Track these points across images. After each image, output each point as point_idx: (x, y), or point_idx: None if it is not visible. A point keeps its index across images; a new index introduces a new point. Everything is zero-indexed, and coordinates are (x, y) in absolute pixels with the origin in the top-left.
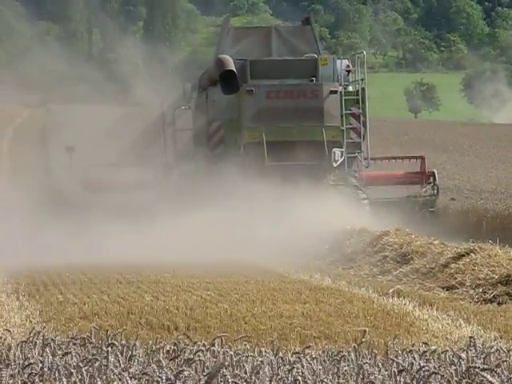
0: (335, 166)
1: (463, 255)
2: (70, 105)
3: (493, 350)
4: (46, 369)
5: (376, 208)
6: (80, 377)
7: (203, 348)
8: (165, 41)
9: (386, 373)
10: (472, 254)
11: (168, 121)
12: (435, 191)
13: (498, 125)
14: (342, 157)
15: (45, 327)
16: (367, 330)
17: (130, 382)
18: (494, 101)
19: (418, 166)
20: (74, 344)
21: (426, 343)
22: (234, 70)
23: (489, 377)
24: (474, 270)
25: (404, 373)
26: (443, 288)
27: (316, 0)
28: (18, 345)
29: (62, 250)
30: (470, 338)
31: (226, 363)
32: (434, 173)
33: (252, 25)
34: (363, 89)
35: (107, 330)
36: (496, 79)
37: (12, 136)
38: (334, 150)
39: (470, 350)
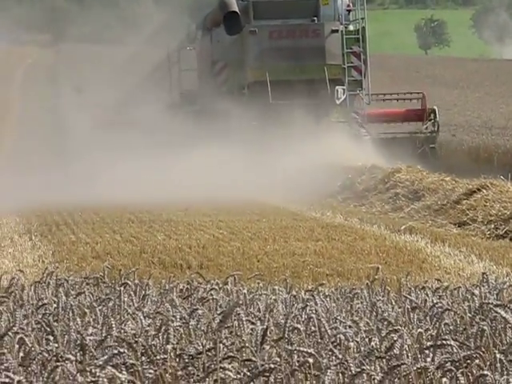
0: (338, 103)
1: (475, 191)
2: (81, 44)
3: (505, 285)
4: (60, 309)
5: (378, 145)
6: (94, 316)
7: (216, 287)
8: None
9: (400, 310)
10: (483, 190)
11: (173, 61)
12: (436, 128)
13: (508, 60)
14: (344, 94)
15: (58, 267)
16: (380, 267)
17: (143, 321)
18: (504, 36)
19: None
20: (88, 284)
21: (438, 280)
22: (237, 11)
23: (503, 312)
24: (485, 205)
25: (417, 310)
26: (455, 224)
27: None
28: (31, 285)
29: (72, 190)
30: (483, 273)
31: (240, 302)
32: (434, 110)
33: None
34: (363, 28)
35: (120, 270)
36: (506, 14)
37: (22, 77)
38: (336, 87)
39: (483, 286)
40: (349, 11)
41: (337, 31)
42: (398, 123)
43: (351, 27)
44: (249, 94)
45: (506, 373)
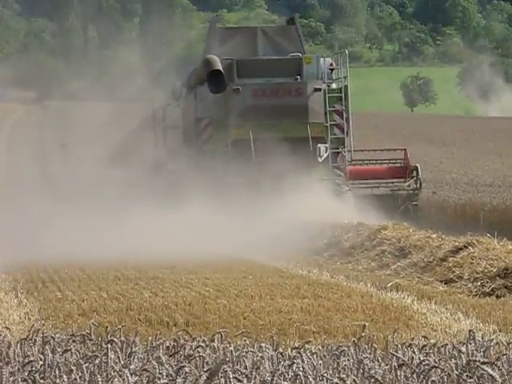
0: (320, 161)
1: (461, 248)
2: (66, 101)
3: (492, 343)
4: (46, 366)
5: (360, 201)
6: (80, 374)
7: (203, 344)
8: (160, 37)
9: (387, 367)
10: (470, 247)
11: (158, 118)
12: (418, 185)
13: (493, 118)
14: (326, 152)
15: (44, 324)
16: (366, 324)
17: (130, 378)
18: (490, 94)
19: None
20: (74, 341)
21: (425, 337)
22: (221, 69)
23: (489, 370)
24: (471, 263)
25: (404, 367)
26: (441, 281)
27: None
28: (17, 342)
29: (59, 246)
30: (470, 331)
31: (227, 359)
32: (416, 167)
33: (248, 20)
34: (346, 86)
35: (106, 327)
36: (491, 72)
37: (9, 132)
38: (318, 145)
39: (470, 344)
40: (332, 70)
41: (319, 90)
42: (381, 180)
43: (334, 85)
44: (232, 151)
45: None
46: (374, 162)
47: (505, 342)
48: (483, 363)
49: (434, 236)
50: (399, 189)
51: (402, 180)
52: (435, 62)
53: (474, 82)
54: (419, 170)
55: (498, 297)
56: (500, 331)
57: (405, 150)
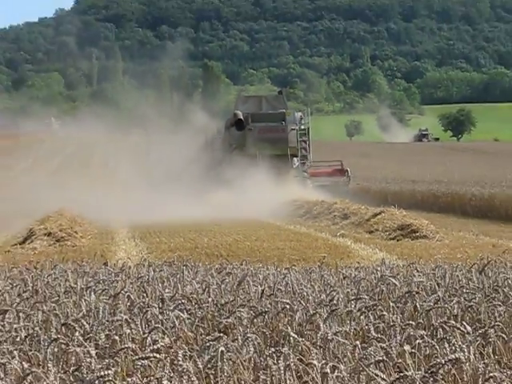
0: (294, 167)
1: (378, 214)
2: (157, 133)
3: (395, 265)
4: (149, 278)
5: (317, 189)
6: (168, 283)
7: (236, 266)
8: (213, 99)
9: (336, 279)
10: (382, 213)
11: (210, 143)
12: (348, 179)
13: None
14: (297, 162)
15: (149, 256)
16: (325, 255)
17: (196, 285)
18: (390, 129)
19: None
20: (165, 265)
21: (358, 262)
22: (242, 118)
23: (393, 280)
24: (383, 222)
25: (346, 279)
26: (367, 232)
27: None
28: (134, 266)
29: (157, 212)
30: (382, 259)
31: (249, 274)
32: (347, 170)
33: (260, 90)
34: (308, 128)
35: (183, 258)
36: (391, 117)
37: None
38: (293, 158)
39: (382, 266)
40: (301, 118)
41: (294, 129)
42: (328, 177)
43: (302, 127)
44: (247, 161)
45: (395, 313)
46: (325, 167)
47: (401, 265)
48: (390, 276)
49: (362, 207)
50: (338, 181)
51: (340, 176)
52: (363, 111)
53: (383, 123)
54: (349, 171)
55: (397, 240)
56: (399, 259)
57: (341, 161)
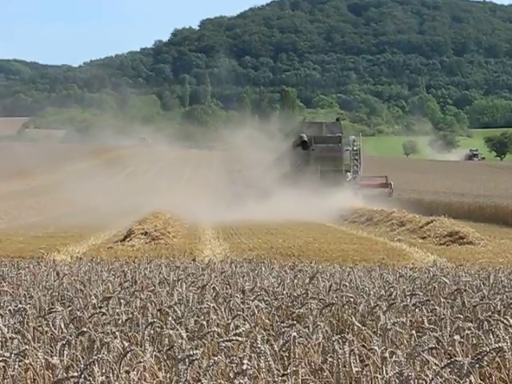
0: (347, 180)
1: (430, 222)
2: (238, 150)
3: (444, 266)
4: (231, 273)
5: (365, 197)
6: (248, 277)
7: (306, 264)
8: (289, 122)
9: (394, 277)
10: (434, 221)
11: (281, 160)
12: (391, 190)
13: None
14: (350, 176)
15: (231, 254)
16: (384, 257)
17: (272, 279)
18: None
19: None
20: (245, 262)
21: (412, 264)
22: (307, 140)
23: (444, 278)
24: (435, 229)
25: (403, 277)
26: (420, 237)
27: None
28: (219, 262)
29: (238, 214)
30: (434, 261)
31: (318, 271)
32: (391, 183)
33: (330, 113)
34: (359, 149)
35: (260, 256)
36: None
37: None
38: (347, 173)
39: (434, 267)
40: (354, 141)
41: (348, 150)
42: (375, 188)
43: (355, 148)
44: (311, 175)
45: (446, 307)
46: (372, 180)
47: (450, 266)
48: (441, 276)
49: (416, 216)
50: (382, 192)
51: (385, 188)
52: (419, 134)
53: (435, 143)
54: (392, 184)
55: (447, 245)
56: (448, 261)
57: (386, 176)
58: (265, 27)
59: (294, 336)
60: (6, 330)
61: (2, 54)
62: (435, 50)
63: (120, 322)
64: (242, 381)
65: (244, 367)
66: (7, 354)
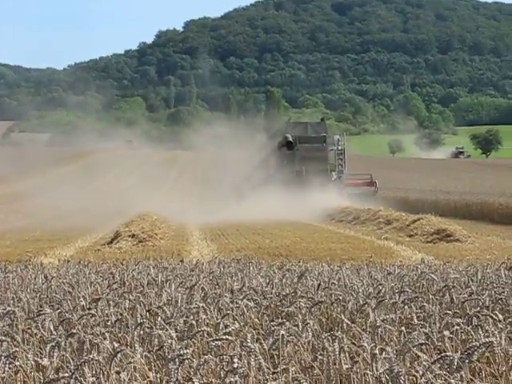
0: (332, 179)
1: (417, 220)
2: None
3: (432, 263)
4: (220, 273)
5: (350, 196)
6: (236, 277)
7: (294, 264)
8: (274, 122)
9: (382, 275)
10: (421, 219)
11: (266, 159)
12: (376, 189)
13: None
14: (335, 175)
15: (219, 254)
16: (372, 255)
17: (260, 279)
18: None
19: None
20: (233, 262)
21: (400, 261)
22: (292, 140)
23: (432, 275)
24: (422, 227)
25: (391, 275)
26: (407, 236)
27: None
28: (207, 262)
29: (225, 215)
30: (422, 259)
31: (306, 270)
32: (376, 181)
33: (315, 113)
34: (344, 148)
35: (248, 256)
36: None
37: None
38: (332, 173)
39: (422, 264)
40: (338, 140)
41: (332, 150)
42: (360, 187)
43: (339, 147)
44: (295, 175)
45: (434, 304)
46: (357, 179)
47: (438, 264)
48: (429, 273)
49: (403, 214)
50: (367, 191)
51: (369, 187)
52: (404, 132)
53: (421, 142)
54: (377, 182)
55: (434, 243)
56: (435, 259)
57: (371, 174)
58: (249, 28)
59: (284, 334)
60: None
61: None
62: (419, 49)
63: (109, 323)
64: (232, 379)
65: (235, 365)
66: None
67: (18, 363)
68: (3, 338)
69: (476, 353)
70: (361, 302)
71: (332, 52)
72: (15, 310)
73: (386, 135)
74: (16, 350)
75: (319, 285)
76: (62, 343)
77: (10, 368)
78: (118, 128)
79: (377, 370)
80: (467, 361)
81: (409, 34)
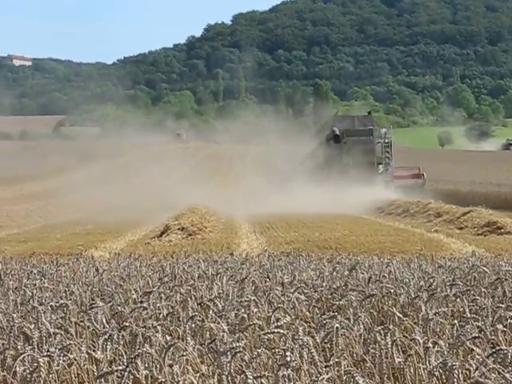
0: (379, 172)
1: (467, 212)
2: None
3: (483, 256)
4: (269, 266)
5: (398, 189)
6: (286, 271)
7: (344, 257)
8: (323, 115)
9: (433, 267)
10: (471, 212)
11: (315, 152)
12: (424, 181)
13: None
14: (382, 168)
15: (268, 248)
16: (422, 248)
17: (311, 272)
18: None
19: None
20: (283, 255)
21: (451, 254)
22: (339, 134)
23: (484, 268)
24: (472, 219)
25: (442, 267)
26: (457, 228)
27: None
28: (256, 255)
29: (275, 208)
30: (473, 251)
31: (357, 263)
32: (423, 174)
33: (363, 105)
34: (391, 141)
35: (298, 249)
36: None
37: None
38: (379, 166)
39: (473, 257)
40: (385, 133)
41: (379, 143)
42: (408, 179)
43: (386, 140)
44: (343, 166)
45: (487, 297)
46: (405, 171)
47: (489, 256)
48: (481, 265)
49: (453, 206)
50: (415, 183)
51: (418, 179)
52: (453, 124)
53: (470, 134)
54: (425, 175)
55: (484, 236)
56: (487, 252)
57: (419, 167)
58: (297, 20)
59: (336, 327)
60: (49, 325)
61: (37, 53)
62: (469, 40)
63: (161, 316)
64: (285, 372)
65: (288, 359)
66: (52, 349)
67: (72, 356)
68: (57, 330)
69: None
70: (412, 295)
71: (381, 44)
72: (68, 303)
73: (436, 127)
74: (70, 343)
75: (370, 278)
76: (115, 336)
77: (63, 361)
78: (167, 121)
79: (430, 364)
80: None
81: (458, 26)
